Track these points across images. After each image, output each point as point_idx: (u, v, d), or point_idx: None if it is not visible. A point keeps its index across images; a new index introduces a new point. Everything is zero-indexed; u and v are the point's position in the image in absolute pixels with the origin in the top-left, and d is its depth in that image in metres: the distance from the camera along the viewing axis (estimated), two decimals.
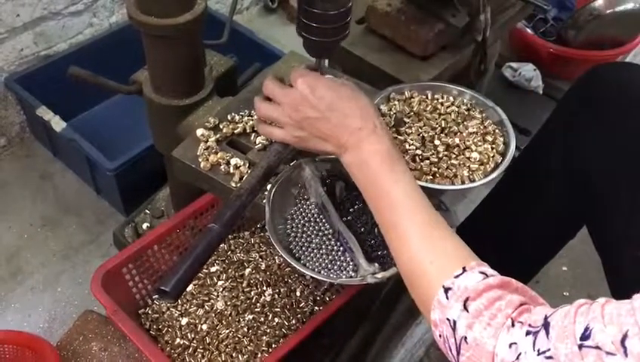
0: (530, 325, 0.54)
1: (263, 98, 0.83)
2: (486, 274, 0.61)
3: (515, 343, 0.54)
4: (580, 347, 0.49)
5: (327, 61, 0.88)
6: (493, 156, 0.93)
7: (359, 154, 0.73)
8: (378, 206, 0.72)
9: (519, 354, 0.53)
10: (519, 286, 0.62)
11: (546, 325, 0.53)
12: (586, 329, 0.50)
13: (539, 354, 0.52)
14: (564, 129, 0.97)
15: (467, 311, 0.58)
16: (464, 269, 0.61)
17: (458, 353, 0.59)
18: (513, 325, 0.56)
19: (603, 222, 0.92)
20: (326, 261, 0.82)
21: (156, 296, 1.12)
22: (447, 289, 0.61)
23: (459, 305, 0.59)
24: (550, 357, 0.51)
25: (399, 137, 0.95)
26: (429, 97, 1.02)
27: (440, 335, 0.61)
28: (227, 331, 1.08)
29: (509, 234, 1.10)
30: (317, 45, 0.83)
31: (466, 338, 0.57)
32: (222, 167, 0.90)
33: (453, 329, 0.59)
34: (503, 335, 0.55)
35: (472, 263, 0.62)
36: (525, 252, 1.11)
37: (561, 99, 1.03)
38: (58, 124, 1.41)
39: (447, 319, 0.59)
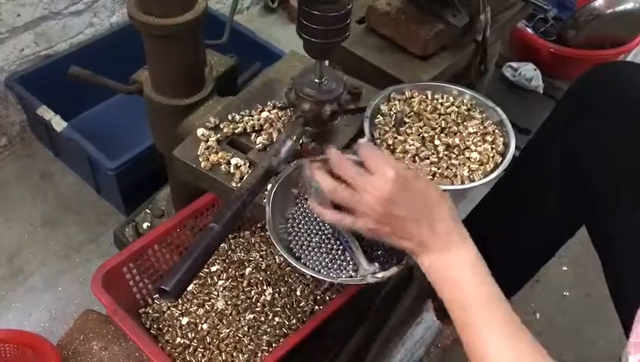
0: None
1: (324, 170, 0.76)
2: None
3: None
4: None
5: (327, 62, 0.88)
6: (493, 156, 0.93)
7: (445, 259, 0.72)
8: (457, 310, 0.70)
9: None
10: None
11: None
12: None
13: None
14: (564, 128, 0.97)
15: None
16: None
17: None
18: None
19: (602, 222, 0.92)
20: (326, 260, 0.83)
21: (157, 296, 1.13)
22: None
23: None
24: None
25: (399, 137, 0.95)
26: (429, 97, 1.02)
27: None
28: (227, 330, 1.08)
29: (509, 234, 1.10)
30: (317, 47, 0.83)
31: None
32: (222, 166, 0.90)
33: None
34: None
35: None
36: (525, 251, 1.11)
37: (561, 98, 1.03)
38: (59, 123, 1.41)
39: None
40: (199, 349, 1.07)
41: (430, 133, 0.96)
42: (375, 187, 0.70)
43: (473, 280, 0.70)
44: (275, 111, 0.97)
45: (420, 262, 0.74)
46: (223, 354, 1.06)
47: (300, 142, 0.88)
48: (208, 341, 1.08)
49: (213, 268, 1.18)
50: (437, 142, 0.95)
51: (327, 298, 1.14)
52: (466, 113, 1.00)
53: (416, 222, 0.71)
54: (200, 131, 0.94)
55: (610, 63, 1.03)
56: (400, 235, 0.72)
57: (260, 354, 1.06)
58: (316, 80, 0.88)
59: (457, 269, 0.71)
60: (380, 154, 0.74)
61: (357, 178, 0.72)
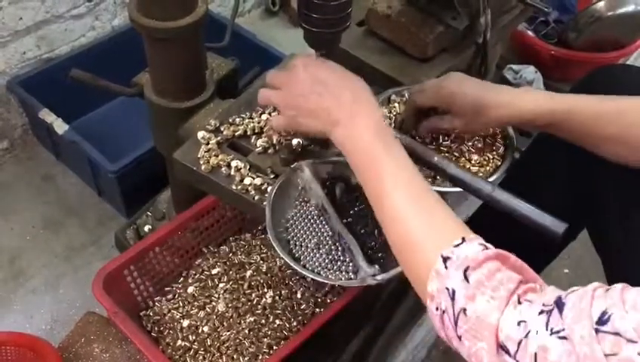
0: (543, 304, 0.54)
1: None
2: (485, 246, 0.61)
3: (525, 321, 0.53)
4: (597, 331, 0.48)
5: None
6: (493, 158, 0.93)
7: (351, 129, 0.74)
8: (369, 177, 0.72)
9: (528, 332, 0.52)
10: (518, 264, 0.61)
11: (560, 305, 0.52)
12: (604, 313, 0.49)
13: (552, 334, 0.51)
14: None
15: (467, 281, 0.57)
16: (463, 239, 0.61)
17: (455, 325, 0.58)
18: (520, 302, 0.55)
19: (603, 224, 0.92)
20: (326, 262, 0.83)
21: (157, 298, 1.13)
22: (445, 259, 0.60)
23: (459, 274, 0.58)
24: (564, 338, 0.50)
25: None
26: None
27: (437, 308, 0.60)
28: (228, 333, 1.08)
29: (510, 236, 1.10)
30: (317, 37, 0.83)
31: (465, 310, 0.56)
32: (223, 169, 0.90)
33: (452, 299, 0.58)
34: (510, 312, 0.54)
35: (471, 235, 0.62)
36: (526, 253, 1.10)
37: None
38: (60, 126, 1.41)
39: (447, 288, 0.58)
40: (200, 352, 1.07)
41: (430, 135, 0.96)
42: (283, 77, 0.80)
43: (379, 147, 0.71)
44: (275, 113, 0.97)
45: (334, 138, 0.76)
46: (224, 356, 1.06)
47: (299, 143, 0.88)
48: (209, 343, 1.08)
49: (214, 271, 1.18)
50: (437, 143, 0.95)
51: (328, 300, 1.14)
52: None
53: (318, 95, 0.76)
54: (200, 134, 0.94)
55: (611, 66, 1.04)
56: (308, 114, 0.77)
57: (260, 357, 1.06)
58: None
59: (363, 136, 0.72)
60: (298, 55, 0.84)
61: (274, 77, 0.82)
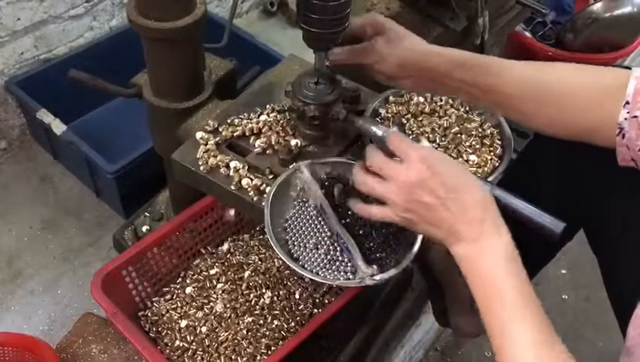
0: None
1: (362, 167, 0.76)
2: None
3: None
4: None
5: (327, 62, 0.89)
6: (491, 159, 0.94)
7: (476, 250, 0.68)
8: (489, 309, 0.67)
9: None
10: None
11: None
12: None
13: None
14: None
15: None
16: None
17: None
18: None
19: (599, 224, 0.92)
20: (325, 263, 0.83)
21: (155, 298, 1.13)
22: None
23: None
24: None
25: None
26: (428, 100, 1.02)
27: None
28: (226, 333, 1.08)
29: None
30: (316, 37, 0.83)
31: None
32: (221, 169, 0.90)
33: None
34: None
35: None
36: (523, 254, 1.11)
37: None
38: (58, 126, 1.41)
39: None
40: (198, 352, 1.07)
41: (429, 136, 0.96)
42: (401, 173, 0.70)
43: (504, 274, 0.67)
44: (273, 114, 0.97)
45: (454, 252, 0.70)
46: (222, 357, 1.06)
47: (298, 144, 0.88)
48: (207, 344, 1.08)
49: (212, 271, 1.18)
50: (435, 144, 0.95)
51: (326, 301, 1.14)
52: (465, 116, 1.00)
53: (445, 208, 0.69)
54: (199, 134, 0.94)
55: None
56: (429, 221, 0.70)
57: (258, 357, 1.06)
58: (313, 82, 0.88)
59: (489, 261, 0.67)
60: (408, 141, 0.73)
61: (384, 166, 0.72)
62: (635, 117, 0.73)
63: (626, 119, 0.74)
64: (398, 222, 0.74)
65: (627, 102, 0.74)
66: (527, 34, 1.89)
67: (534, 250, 1.11)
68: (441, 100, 1.02)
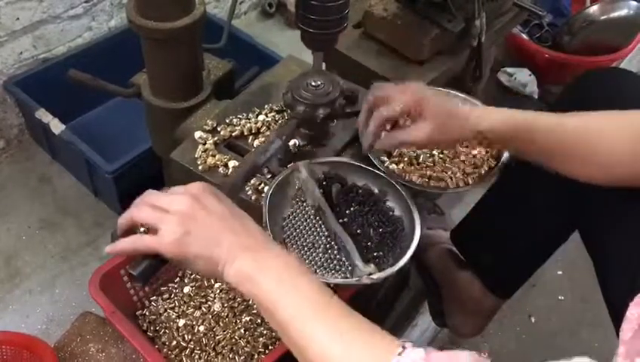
0: None
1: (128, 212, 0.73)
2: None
3: None
4: None
5: (324, 64, 0.89)
6: (487, 160, 0.94)
7: (255, 263, 0.64)
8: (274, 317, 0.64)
9: None
10: None
11: None
12: None
13: None
14: None
15: None
16: (404, 347, 0.56)
17: None
18: None
19: (594, 225, 0.93)
20: (322, 261, 0.83)
21: (154, 298, 1.13)
22: None
23: None
24: None
25: None
26: None
27: None
28: (224, 332, 1.09)
29: (503, 237, 1.11)
30: (314, 38, 0.84)
31: None
32: (220, 169, 0.91)
33: None
34: None
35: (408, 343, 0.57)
36: (519, 255, 1.11)
37: (553, 103, 1.04)
38: (57, 126, 1.41)
39: None
40: (196, 351, 1.07)
41: None
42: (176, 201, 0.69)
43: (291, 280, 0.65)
44: (272, 114, 0.98)
45: (238, 267, 0.64)
46: (220, 356, 1.07)
47: (296, 143, 0.89)
48: (205, 343, 1.08)
49: None
50: None
51: None
52: None
53: (224, 222, 0.66)
54: (198, 134, 0.95)
55: (601, 69, 1.05)
56: (206, 240, 0.66)
57: (256, 356, 1.06)
58: (312, 83, 0.89)
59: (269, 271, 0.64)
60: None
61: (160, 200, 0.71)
62: None
63: None
64: (168, 251, 0.69)
65: None
66: (524, 36, 1.90)
67: (530, 250, 1.12)
68: None
